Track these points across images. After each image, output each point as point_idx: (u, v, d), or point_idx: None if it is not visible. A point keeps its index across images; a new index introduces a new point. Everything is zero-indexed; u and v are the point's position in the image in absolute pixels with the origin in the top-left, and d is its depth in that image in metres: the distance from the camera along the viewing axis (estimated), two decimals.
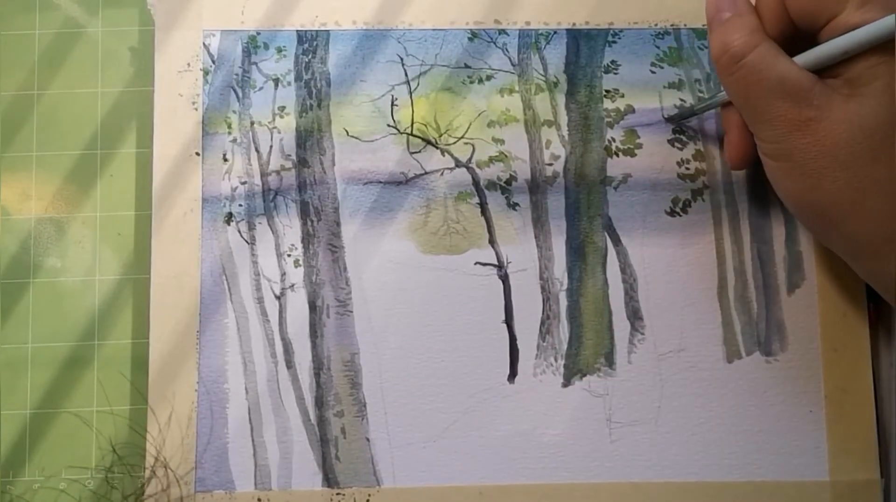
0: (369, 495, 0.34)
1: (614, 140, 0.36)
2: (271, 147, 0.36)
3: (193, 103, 0.36)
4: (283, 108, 0.36)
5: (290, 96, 0.36)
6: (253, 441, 0.34)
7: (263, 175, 0.36)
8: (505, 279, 0.35)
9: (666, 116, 0.36)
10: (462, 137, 0.36)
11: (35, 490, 0.35)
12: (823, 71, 0.29)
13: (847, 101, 0.28)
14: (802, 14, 0.29)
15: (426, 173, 0.36)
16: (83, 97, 0.37)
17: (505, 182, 0.36)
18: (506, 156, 0.36)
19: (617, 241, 0.36)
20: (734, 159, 0.33)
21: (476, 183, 0.36)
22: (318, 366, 0.35)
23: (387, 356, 0.35)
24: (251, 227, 0.36)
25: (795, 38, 0.30)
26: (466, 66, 0.37)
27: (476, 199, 0.36)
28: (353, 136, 0.36)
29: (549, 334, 0.35)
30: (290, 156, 0.36)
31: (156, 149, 0.36)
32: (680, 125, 0.36)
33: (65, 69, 0.37)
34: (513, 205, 0.36)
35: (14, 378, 0.35)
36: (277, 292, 0.35)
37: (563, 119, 0.36)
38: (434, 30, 0.37)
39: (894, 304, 0.30)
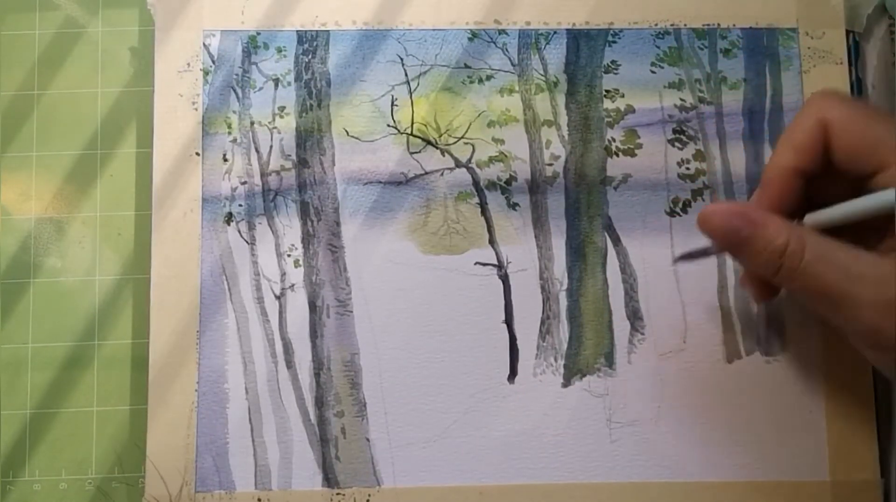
0: (369, 495, 0.34)
1: (614, 140, 0.36)
2: (271, 147, 0.36)
3: (193, 103, 0.36)
4: (283, 108, 0.36)
5: (290, 96, 0.36)
6: (253, 441, 0.34)
7: (263, 175, 0.36)
8: (505, 279, 0.35)
9: (675, 260, 0.34)
10: (462, 137, 0.36)
11: (35, 490, 0.35)
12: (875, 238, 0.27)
13: None
14: (848, 160, 0.27)
15: (426, 173, 0.36)
16: (83, 97, 0.37)
17: (505, 182, 0.36)
18: (506, 156, 0.36)
19: (617, 241, 0.36)
20: (762, 298, 0.32)
21: (476, 183, 0.36)
22: (318, 366, 0.35)
23: (387, 356, 0.35)
24: (251, 227, 0.36)
25: (823, 178, 0.28)
26: (466, 66, 0.37)
27: (476, 199, 0.36)
28: (353, 136, 0.36)
29: (549, 334, 0.35)
30: (290, 156, 0.36)
31: (156, 149, 0.36)
32: (680, 125, 0.36)
33: (65, 69, 0.37)
34: (513, 205, 0.36)
35: (14, 378, 0.35)
36: (277, 292, 0.35)
37: (563, 119, 0.36)
38: (434, 30, 0.37)
39: None
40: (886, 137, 0.27)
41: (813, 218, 0.28)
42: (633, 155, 0.36)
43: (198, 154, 0.36)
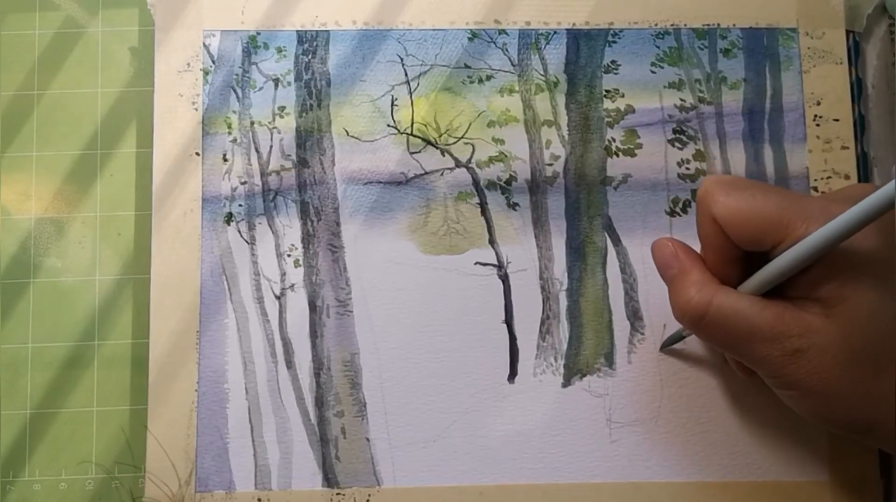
0: (369, 495, 0.34)
1: (614, 140, 0.36)
2: (271, 147, 0.36)
3: (193, 103, 0.36)
4: (283, 108, 0.36)
5: (290, 96, 0.36)
6: (253, 441, 0.34)
7: (263, 175, 0.36)
8: (505, 279, 0.35)
9: (662, 348, 0.35)
10: (462, 137, 0.36)
11: (35, 490, 0.35)
12: (792, 291, 0.28)
13: (825, 322, 0.27)
14: (749, 244, 0.28)
15: (426, 173, 0.36)
16: (83, 97, 0.37)
17: (505, 182, 0.36)
18: (506, 156, 0.36)
19: (617, 241, 0.36)
20: (747, 375, 0.32)
21: (476, 183, 0.36)
22: (318, 366, 0.35)
23: (387, 356, 0.35)
24: (251, 227, 0.36)
25: (750, 254, 0.29)
26: (466, 66, 0.37)
27: (476, 199, 0.36)
28: (353, 136, 0.36)
29: (549, 334, 0.35)
30: (290, 156, 0.36)
31: (156, 149, 0.36)
32: (680, 125, 0.36)
33: (65, 69, 0.37)
34: (513, 205, 0.36)
35: (14, 378, 0.35)
36: (277, 292, 0.35)
37: (563, 119, 0.36)
38: (434, 30, 0.37)
39: None
40: (772, 216, 0.27)
41: (745, 285, 0.29)
42: (633, 155, 0.36)
43: (198, 154, 0.36)
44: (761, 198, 0.28)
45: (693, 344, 0.35)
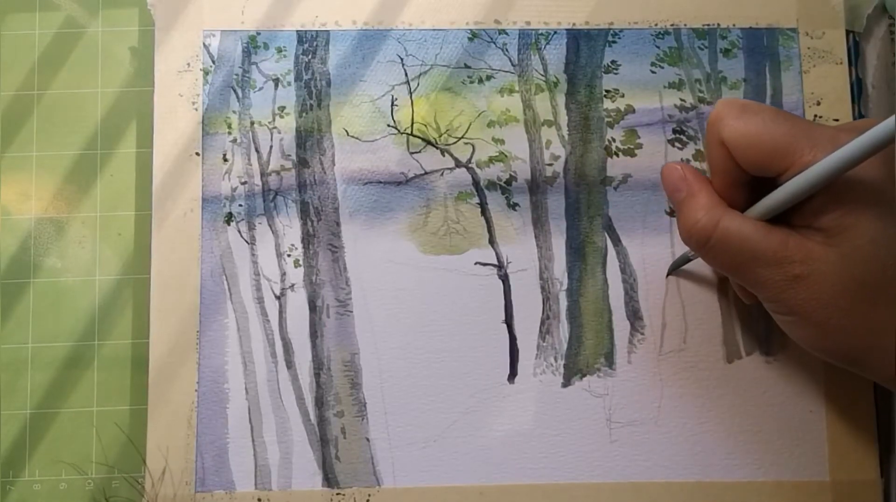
0: (369, 495, 0.34)
1: (614, 140, 0.36)
2: (271, 147, 0.36)
3: (193, 103, 0.36)
4: (283, 108, 0.36)
5: (290, 96, 0.36)
6: (253, 441, 0.34)
7: (263, 175, 0.36)
8: (505, 279, 0.35)
9: (668, 274, 0.35)
10: (462, 137, 0.36)
11: (35, 490, 0.35)
12: (797, 219, 0.28)
13: (827, 250, 0.27)
14: (756, 169, 0.28)
15: (426, 173, 0.36)
16: (83, 97, 0.37)
17: (505, 182, 0.36)
18: (506, 156, 0.36)
19: (617, 241, 0.36)
20: (750, 300, 0.33)
21: (476, 183, 0.36)
22: (318, 366, 0.35)
23: (387, 356, 0.35)
24: (251, 227, 0.36)
25: (758, 179, 0.29)
26: (466, 66, 0.37)
27: (476, 199, 0.36)
28: (353, 136, 0.36)
29: (549, 334, 0.35)
30: (290, 156, 0.36)
31: (156, 149, 0.36)
32: (680, 125, 0.36)
33: (65, 69, 0.37)
34: (513, 205, 0.36)
35: (14, 378, 0.35)
36: (277, 292, 0.35)
37: (563, 119, 0.36)
38: (434, 30, 0.37)
39: None
40: (780, 142, 0.27)
41: (751, 210, 0.29)
42: (633, 155, 0.36)
43: (198, 154, 0.36)
44: (771, 123, 0.28)
45: (693, 343, 0.35)
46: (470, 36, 0.37)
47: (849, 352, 0.28)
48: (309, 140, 0.36)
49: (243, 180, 0.36)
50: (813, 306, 0.27)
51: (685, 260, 0.34)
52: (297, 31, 0.37)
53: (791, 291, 0.28)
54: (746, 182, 0.29)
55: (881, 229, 0.27)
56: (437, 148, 0.36)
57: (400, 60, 0.37)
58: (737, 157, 0.28)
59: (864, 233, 0.27)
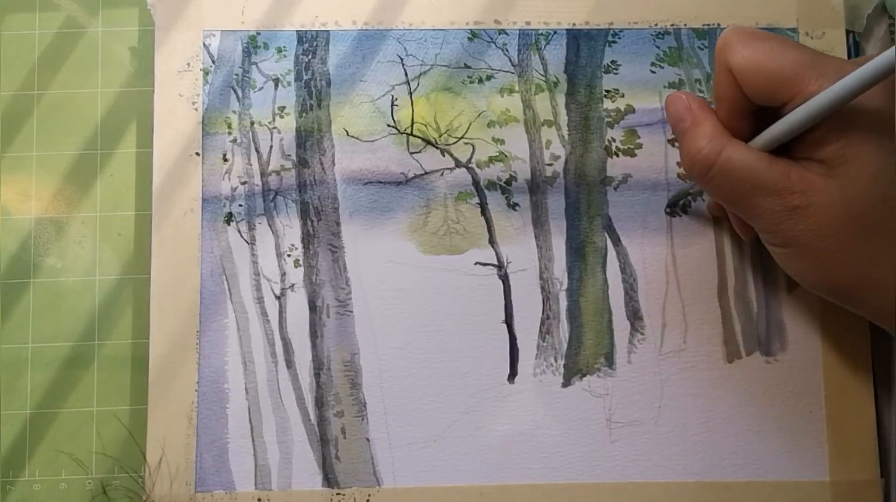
0: (369, 495, 0.34)
1: (614, 140, 0.36)
2: (271, 147, 0.36)
3: (193, 103, 0.36)
4: (283, 108, 0.36)
5: (290, 96, 0.36)
6: (253, 441, 0.34)
7: (263, 175, 0.36)
8: (505, 279, 0.35)
9: (667, 207, 0.36)
10: (462, 137, 0.36)
11: (35, 490, 0.35)
12: (799, 151, 0.28)
13: (828, 182, 0.27)
14: (762, 98, 0.28)
15: (426, 173, 0.36)
16: (83, 97, 0.37)
17: (505, 182, 0.36)
18: (506, 156, 0.36)
19: (617, 241, 0.36)
20: (747, 234, 0.33)
21: (476, 183, 0.36)
22: (318, 366, 0.35)
23: (387, 356, 0.35)
24: (251, 227, 0.36)
25: (763, 110, 0.29)
26: (466, 66, 0.37)
27: (476, 199, 0.36)
28: (353, 136, 0.36)
29: (549, 334, 0.35)
30: (290, 156, 0.36)
31: (156, 149, 0.36)
32: None
33: (65, 69, 0.37)
34: (513, 205, 0.36)
35: (14, 378, 0.35)
36: (277, 292, 0.35)
37: (563, 119, 0.36)
38: (434, 30, 0.37)
39: None
40: (787, 70, 0.27)
41: (755, 141, 0.29)
42: (633, 155, 0.36)
43: (198, 154, 0.36)
44: (779, 52, 0.28)
45: (693, 343, 0.35)
46: (470, 36, 0.37)
47: (844, 285, 0.28)
48: (309, 140, 0.36)
49: (243, 180, 0.36)
50: (810, 237, 0.28)
51: (685, 193, 0.35)
52: (297, 31, 0.37)
53: (789, 222, 0.28)
54: (751, 112, 0.29)
55: (882, 160, 0.27)
56: (437, 148, 0.36)
57: (400, 60, 0.37)
58: (743, 85, 0.28)
59: (865, 164, 0.27)
